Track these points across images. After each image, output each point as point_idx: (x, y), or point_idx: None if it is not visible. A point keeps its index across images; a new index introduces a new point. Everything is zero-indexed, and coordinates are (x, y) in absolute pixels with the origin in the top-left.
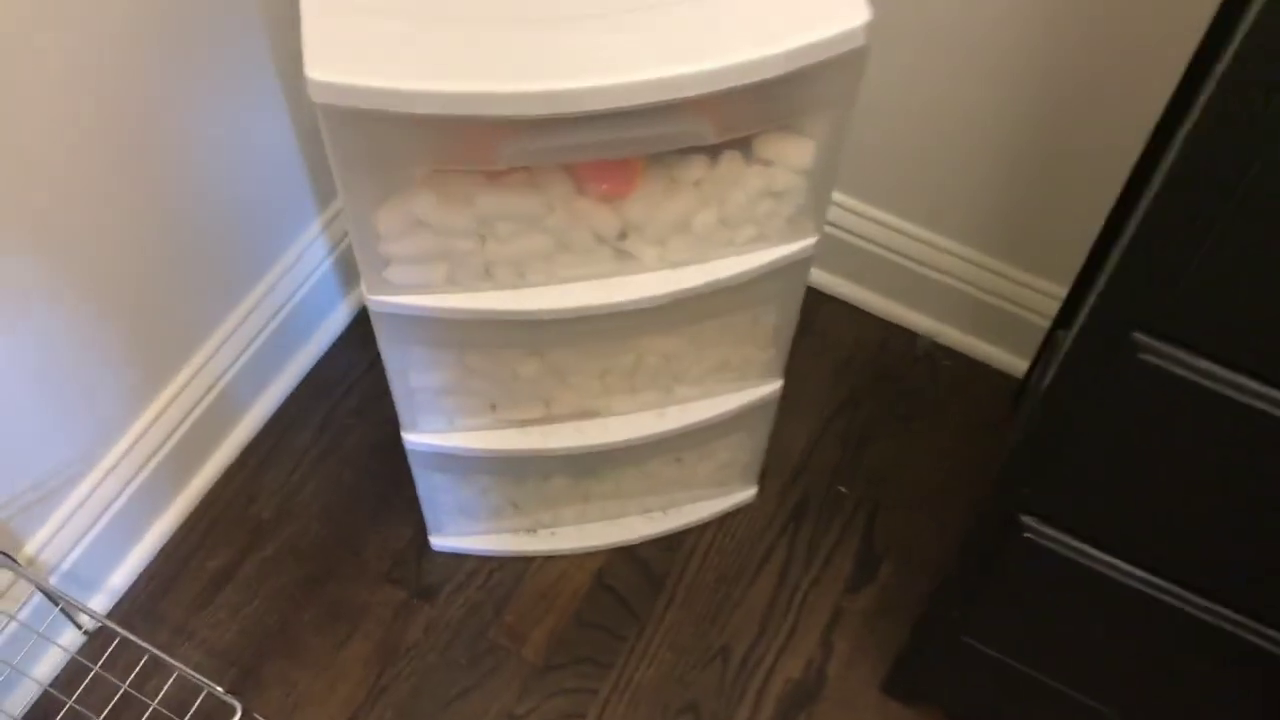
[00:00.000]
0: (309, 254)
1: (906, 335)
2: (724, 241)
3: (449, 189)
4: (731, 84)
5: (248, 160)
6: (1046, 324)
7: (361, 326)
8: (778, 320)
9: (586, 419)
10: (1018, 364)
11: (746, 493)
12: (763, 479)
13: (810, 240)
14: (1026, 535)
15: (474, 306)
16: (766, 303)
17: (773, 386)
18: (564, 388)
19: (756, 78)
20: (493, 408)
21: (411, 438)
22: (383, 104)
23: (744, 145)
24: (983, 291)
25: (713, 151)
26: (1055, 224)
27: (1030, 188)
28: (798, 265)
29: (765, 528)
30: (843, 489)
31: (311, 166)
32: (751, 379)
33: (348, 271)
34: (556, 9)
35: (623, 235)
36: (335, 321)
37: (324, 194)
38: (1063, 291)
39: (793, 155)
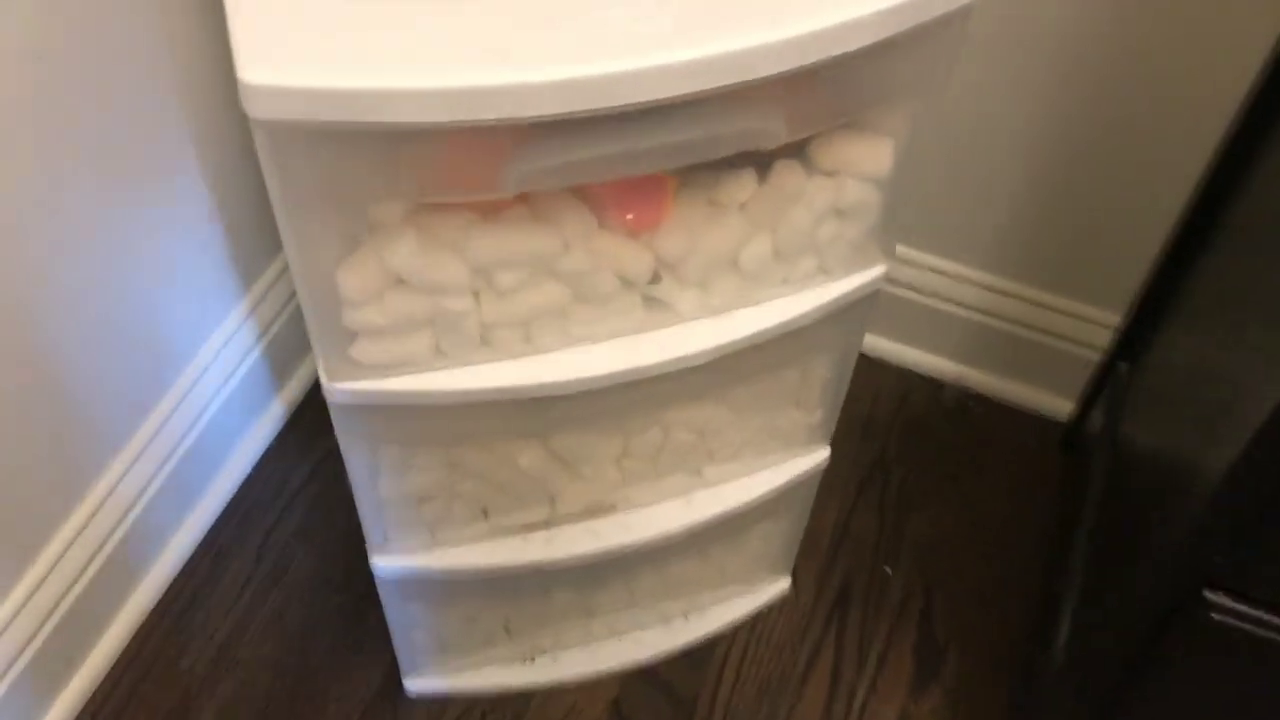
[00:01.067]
0: (229, 349)
1: (931, 384)
2: (778, 278)
3: (434, 230)
4: (823, 55)
5: (136, 245)
6: (1094, 356)
7: (298, 427)
8: (831, 373)
9: (600, 516)
10: (1061, 405)
11: (779, 585)
12: (795, 565)
13: (879, 269)
14: (1214, 616)
15: (469, 386)
16: (821, 352)
17: (819, 457)
18: (574, 479)
19: (855, 44)
20: (485, 513)
21: (382, 561)
22: (348, 112)
23: (799, 152)
24: (1015, 325)
25: (762, 163)
26: (1103, 242)
27: (1069, 203)
28: (863, 303)
29: (806, 625)
30: (888, 569)
31: (231, 233)
32: (795, 449)
33: (278, 361)
34: None
35: (655, 278)
36: (265, 426)
37: (246, 269)
38: (1114, 319)
39: (866, 160)
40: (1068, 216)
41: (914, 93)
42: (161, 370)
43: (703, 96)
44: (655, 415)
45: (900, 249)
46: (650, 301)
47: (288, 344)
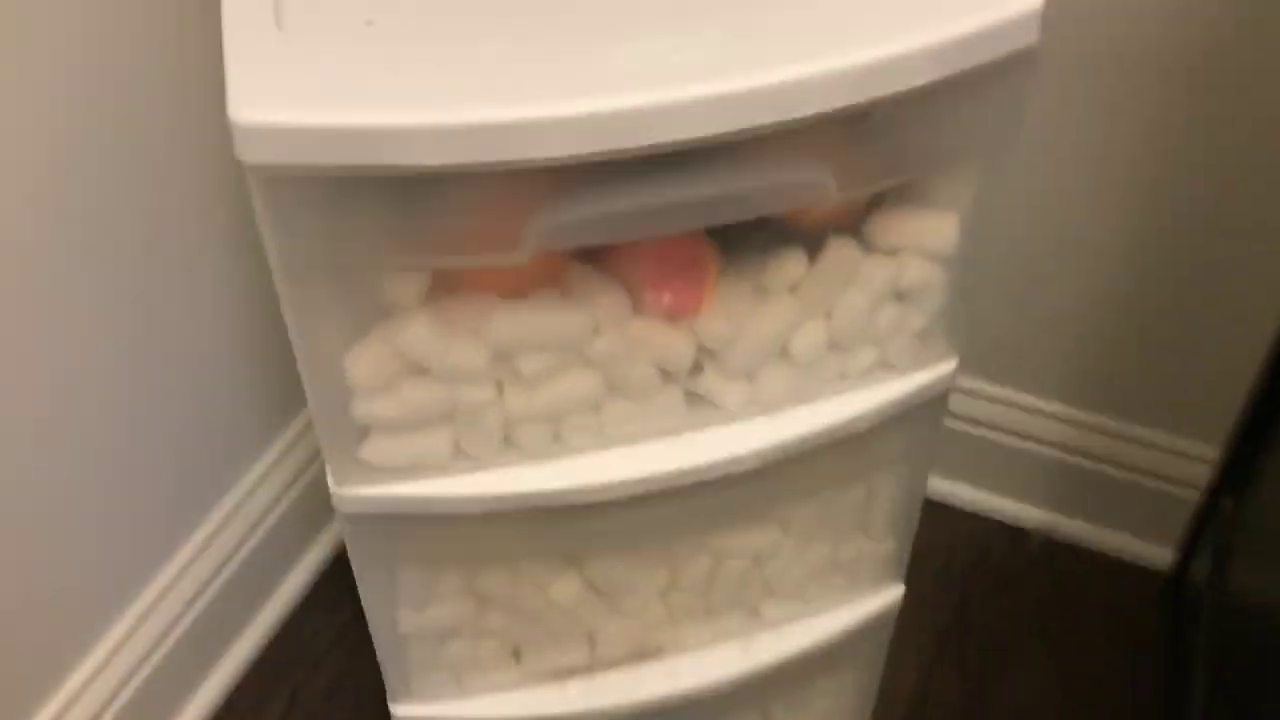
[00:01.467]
0: (261, 491)
1: (1011, 532)
2: (834, 372)
3: (451, 312)
4: (880, 92)
5: (164, 380)
6: (1193, 495)
7: (332, 580)
8: (900, 492)
9: (646, 660)
10: (1159, 553)
11: None
12: None
13: (949, 365)
14: None
15: (492, 491)
16: (887, 465)
17: (891, 596)
18: (615, 615)
19: (916, 79)
20: (516, 655)
21: (404, 710)
22: (349, 154)
23: (854, 229)
24: (1102, 464)
25: (813, 241)
26: (1194, 365)
27: (1153, 321)
28: (931, 405)
29: None
30: None
31: (261, 373)
32: (863, 584)
33: (313, 505)
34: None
35: (696, 369)
36: (295, 577)
37: (275, 412)
38: (1212, 451)
39: (928, 234)
40: (1152, 337)
41: (980, 148)
42: (184, 514)
43: (743, 138)
44: (703, 537)
45: (970, 382)
46: (693, 397)
47: (319, 489)
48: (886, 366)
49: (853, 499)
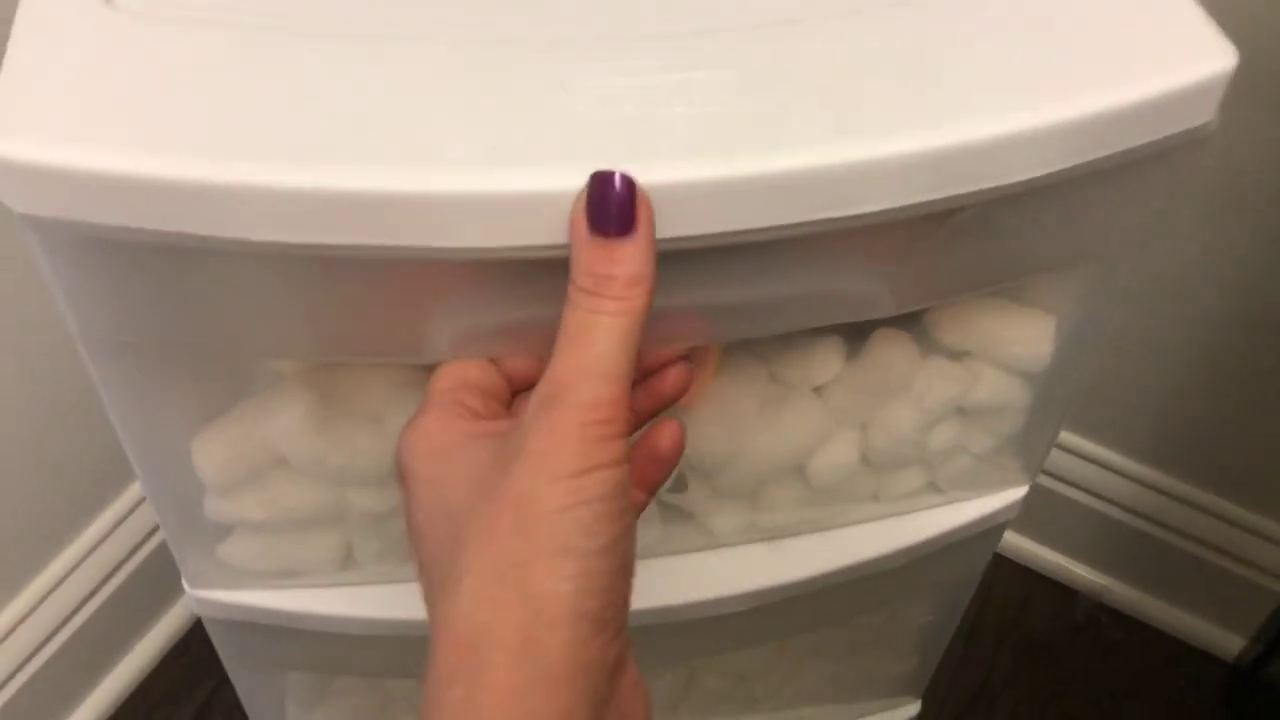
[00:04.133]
0: (82, 570)
1: (1058, 591)
2: (864, 493)
3: (340, 394)
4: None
5: None
6: (1273, 583)
7: (180, 664)
8: (934, 617)
9: None
10: (1229, 640)
11: None
12: None
13: (1016, 494)
14: None
15: (396, 616)
16: (922, 595)
17: (903, 714)
18: None
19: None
20: None
21: None
22: (127, 213)
23: (911, 317)
24: (1175, 535)
25: (855, 329)
26: None
27: (1260, 390)
28: (987, 536)
29: None
30: None
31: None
32: (874, 698)
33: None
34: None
35: (679, 483)
36: (132, 661)
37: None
38: None
39: (1013, 341)
40: (1258, 407)
41: (1107, 249)
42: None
43: (758, 238)
44: (673, 661)
45: None
46: (673, 513)
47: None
48: (935, 491)
49: (869, 622)
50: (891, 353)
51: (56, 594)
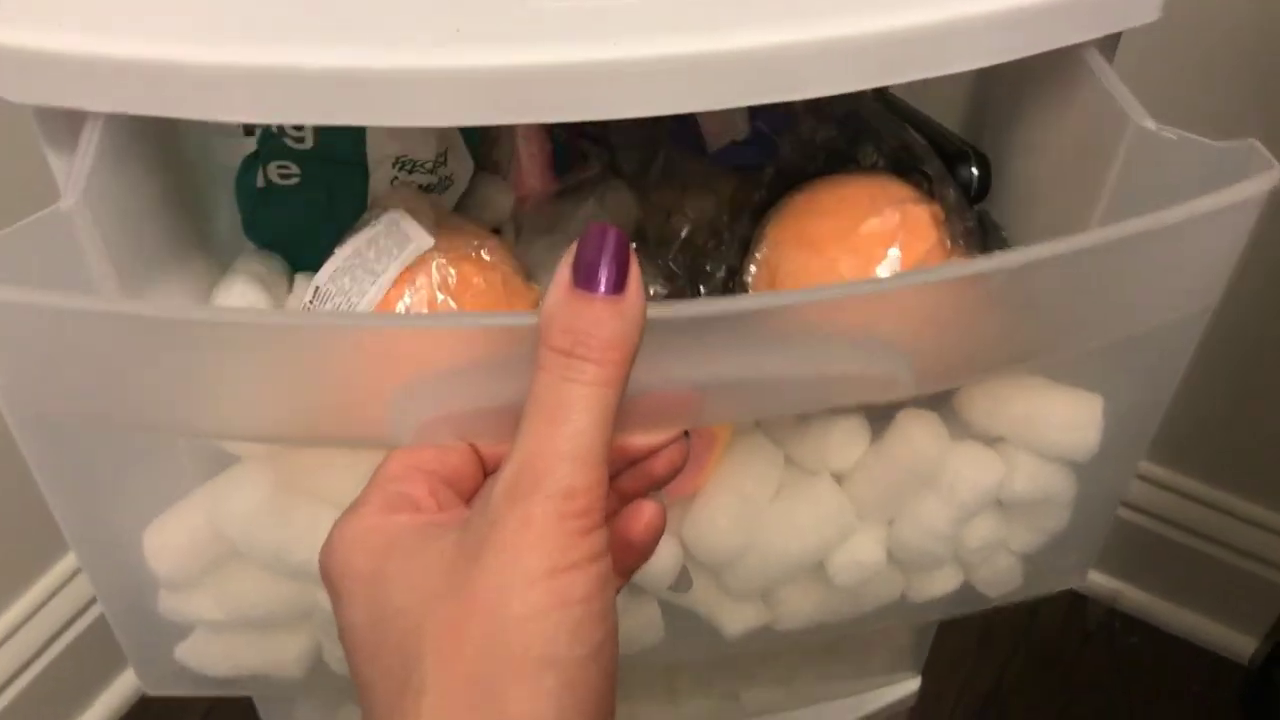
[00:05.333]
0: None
1: (1070, 596)
2: (892, 590)
3: (302, 474)
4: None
5: None
6: None
7: None
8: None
9: None
10: (1244, 643)
11: None
12: None
13: (1074, 580)
14: None
15: None
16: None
17: (902, 690)
18: None
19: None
20: None
21: None
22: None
23: (941, 397)
24: (1192, 536)
25: (878, 409)
26: None
27: (1264, 384)
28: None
29: None
30: None
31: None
32: (869, 676)
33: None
34: None
35: (682, 581)
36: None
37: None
38: None
39: (1055, 426)
40: (1269, 402)
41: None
42: None
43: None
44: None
45: None
46: (676, 612)
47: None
48: (972, 589)
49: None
50: (918, 436)
51: (58, 599)
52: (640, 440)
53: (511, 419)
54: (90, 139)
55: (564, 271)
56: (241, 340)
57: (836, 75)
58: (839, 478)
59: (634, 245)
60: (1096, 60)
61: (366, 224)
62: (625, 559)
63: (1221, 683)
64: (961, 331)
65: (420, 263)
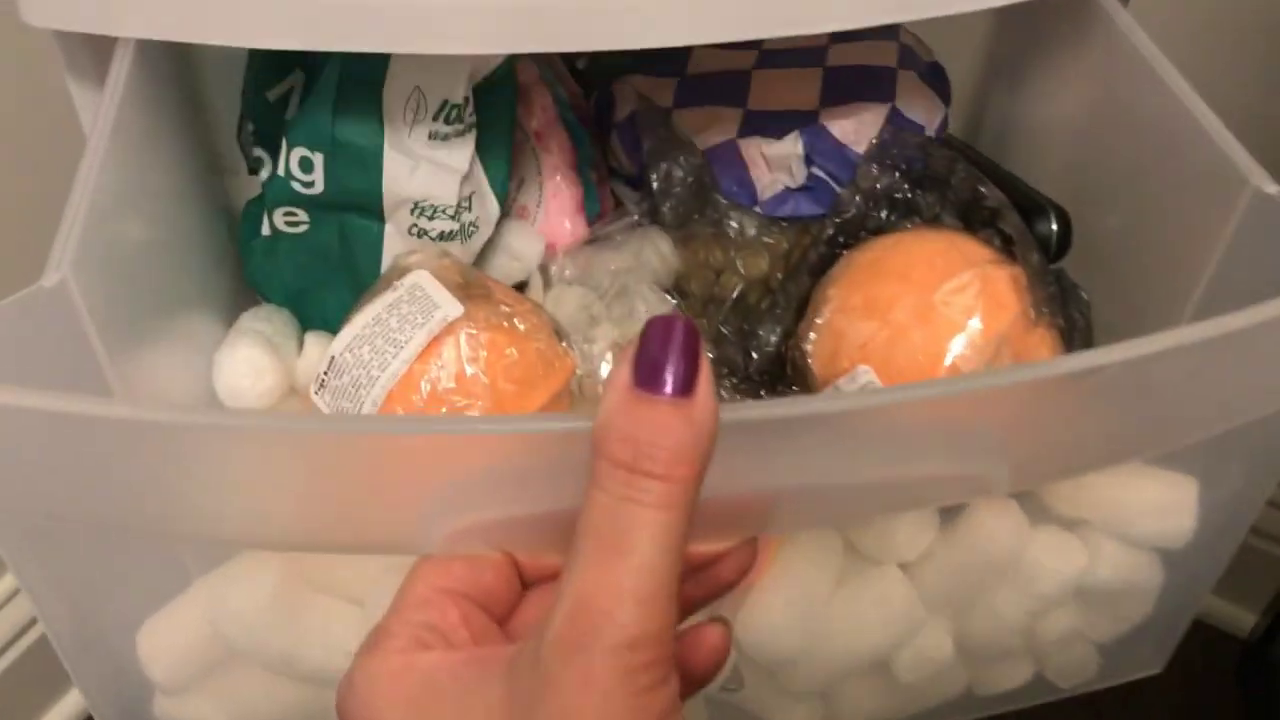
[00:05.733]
0: None
1: None
2: (958, 684)
3: (308, 559)
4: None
5: None
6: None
7: None
8: None
9: None
10: (1240, 616)
11: None
12: None
13: (1148, 671)
14: None
15: None
16: None
17: None
18: None
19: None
20: None
21: None
22: None
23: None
24: None
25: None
26: None
27: None
28: None
29: None
30: None
31: None
32: None
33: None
34: None
35: (734, 681)
36: None
37: None
38: None
39: (1146, 511)
40: None
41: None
42: None
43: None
44: None
45: None
46: (723, 710)
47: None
48: (1045, 683)
49: None
50: (993, 523)
51: None
52: (706, 546)
53: (555, 527)
54: (120, 68)
55: (623, 370)
56: (246, 445)
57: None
58: (906, 567)
59: (677, 301)
60: (1209, 116)
61: (387, 286)
62: (683, 689)
63: (1219, 654)
64: (1062, 427)
65: (447, 332)
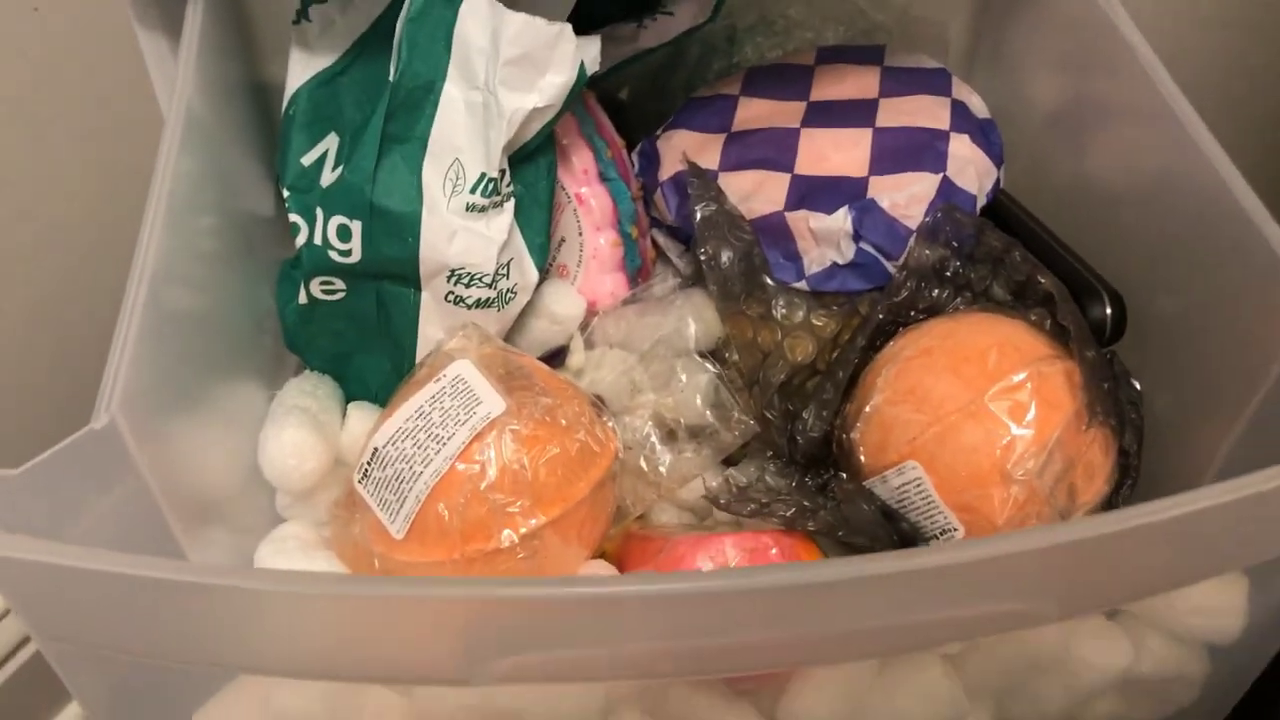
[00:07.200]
0: None
1: None
2: None
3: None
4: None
5: None
6: None
7: None
8: None
9: None
10: None
11: None
12: None
13: None
14: None
15: None
16: None
17: None
18: None
19: None
20: None
21: None
22: None
23: None
24: None
25: None
26: None
27: None
28: None
29: None
30: None
31: None
32: None
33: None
34: None
35: None
36: None
37: None
38: None
39: (1194, 608)
40: None
41: None
42: None
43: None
44: None
45: None
46: None
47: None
48: None
49: None
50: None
51: None
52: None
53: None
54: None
55: None
56: (296, 605)
57: None
58: (946, 657)
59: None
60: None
61: (431, 376)
62: None
63: None
64: (1112, 566)
65: (489, 428)
